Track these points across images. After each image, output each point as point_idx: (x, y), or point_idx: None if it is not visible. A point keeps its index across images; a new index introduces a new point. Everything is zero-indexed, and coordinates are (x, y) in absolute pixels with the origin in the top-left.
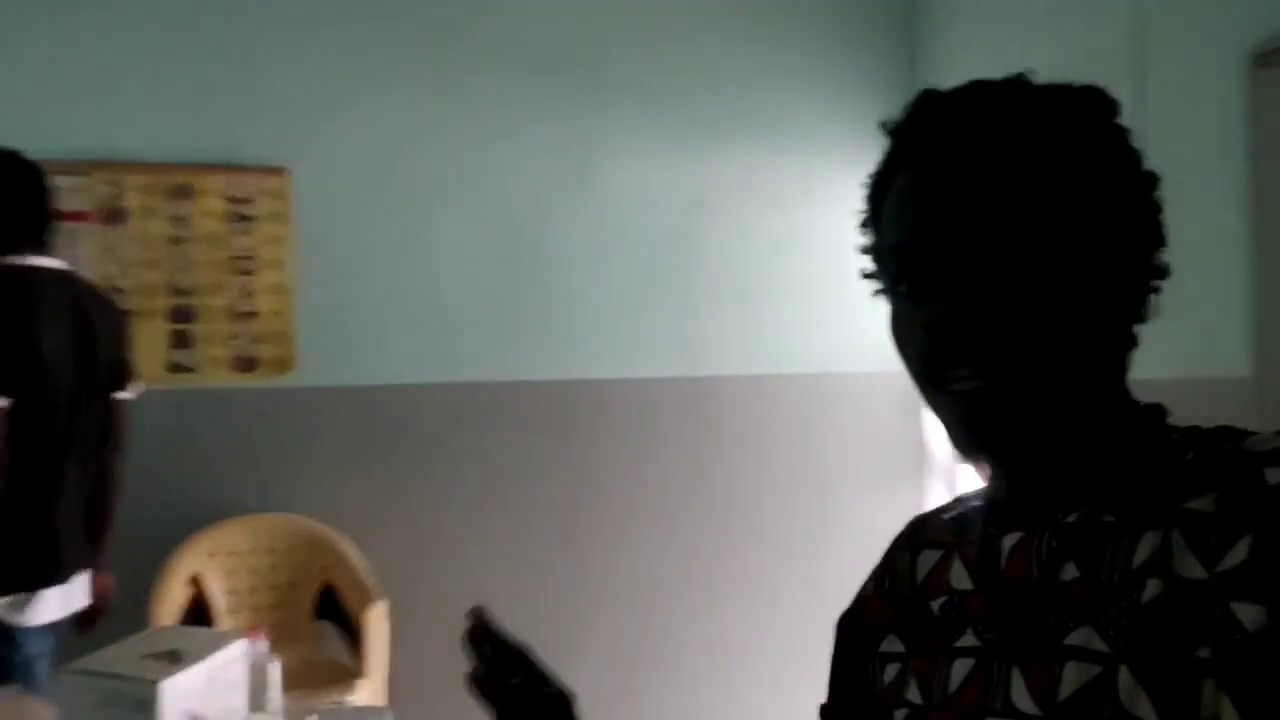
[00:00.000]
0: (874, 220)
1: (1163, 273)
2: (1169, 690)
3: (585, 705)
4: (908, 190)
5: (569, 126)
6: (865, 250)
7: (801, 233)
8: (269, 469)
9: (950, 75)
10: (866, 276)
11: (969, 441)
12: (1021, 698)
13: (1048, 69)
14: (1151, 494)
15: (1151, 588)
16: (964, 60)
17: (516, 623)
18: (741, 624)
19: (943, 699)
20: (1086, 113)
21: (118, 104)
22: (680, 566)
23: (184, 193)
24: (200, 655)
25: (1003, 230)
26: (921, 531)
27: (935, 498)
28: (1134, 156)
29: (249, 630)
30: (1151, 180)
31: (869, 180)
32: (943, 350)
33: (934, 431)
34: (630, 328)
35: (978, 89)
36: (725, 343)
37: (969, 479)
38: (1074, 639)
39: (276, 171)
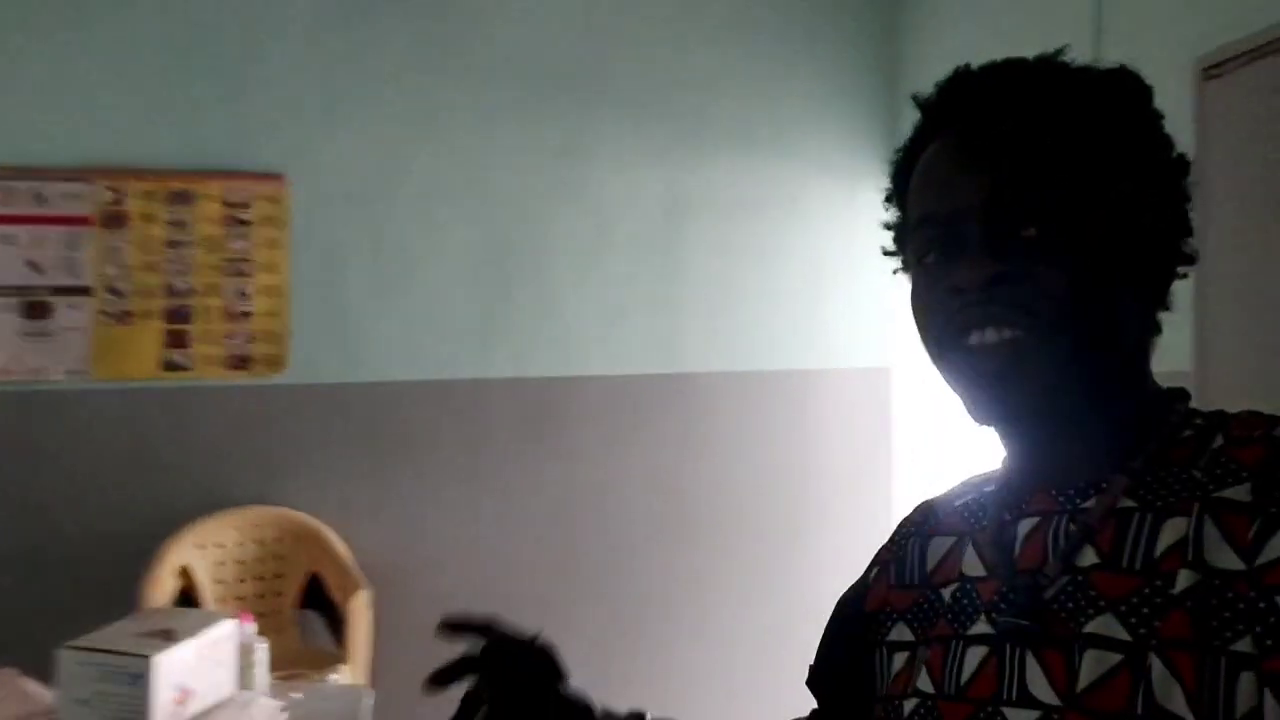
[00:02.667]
0: (899, 194)
1: (1190, 259)
2: (1203, 683)
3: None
4: (941, 157)
5: (556, 135)
6: (888, 226)
7: (780, 235)
8: (259, 464)
9: (928, 83)
10: (887, 254)
11: (992, 400)
12: (1039, 686)
13: None
14: (1174, 480)
15: (1184, 578)
16: (944, 68)
17: (499, 615)
18: (726, 613)
19: (954, 688)
20: (1121, 93)
21: (120, 113)
22: (664, 557)
23: (183, 198)
24: (191, 633)
25: (1039, 195)
26: (931, 518)
27: (901, 492)
28: (1167, 141)
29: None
30: (1183, 166)
31: (896, 155)
32: (971, 309)
33: (902, 427)
34: (614, 326)
35: (1015, 65)
36: (706, 340)
37: (937, 473)
38: (1093, 626)
39: (274, 177)
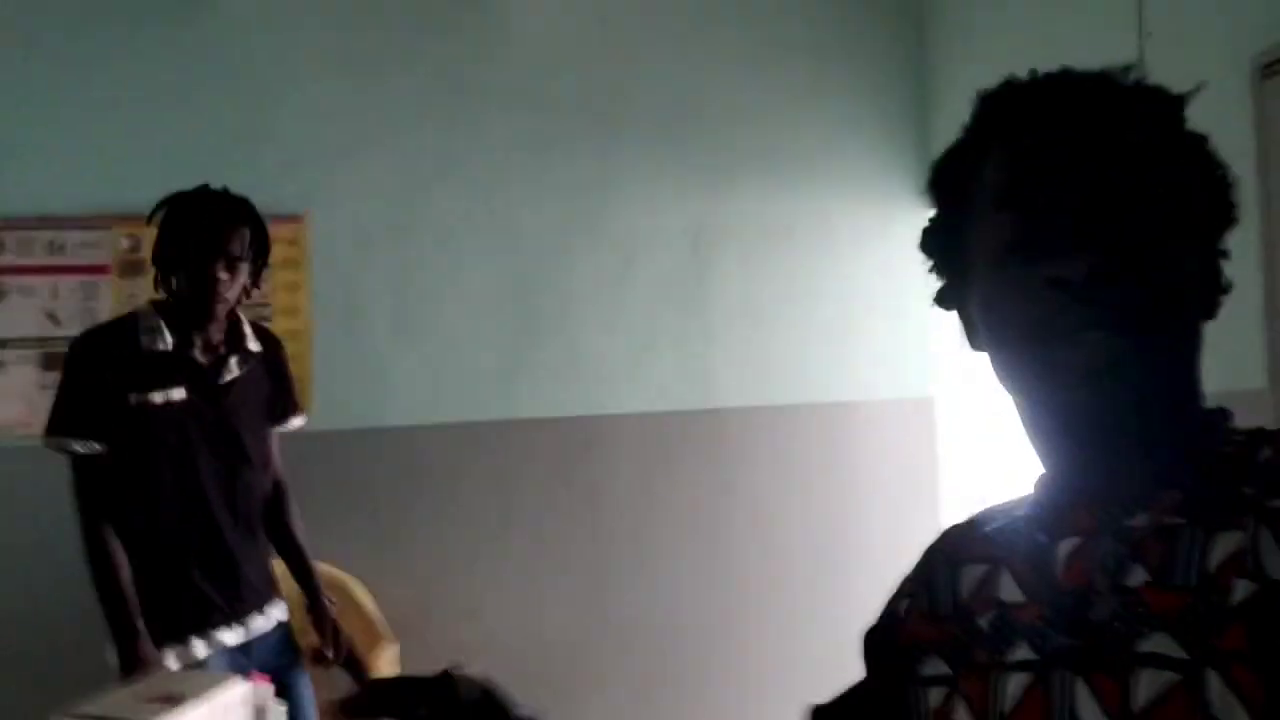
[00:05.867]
0: (957, 196)
1: (1228, 287)
2: (1267, 697)
3: None
4: (1029, 152)
5: (578, 169)
6: (936, 229)
7: (812, 264)
8: None
9: (960, 103)
10: (926, 251)
11: (1093, 402)
12: (1089, 710)
13: None
14: (1223, 495)
15: (1241, 589)
16: (978, 82)
17: (533, 665)
18: (765, 653)
19: (998, 717)
20: (1181, 115)
21: (135, 158)
22: (701, 598)
23: None
24: (199, 697)
25: (1141, 198)
26: (960, 546)
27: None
28: (1218, 162)
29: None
30: (1233, 187)
31: (949, 157)
32: (1073, 307)
33: (949, 458)
34: (643, 362)
35: (1071, 77)
36: (738, 374)
37: (985, 499)
38: (1147, 645)
39: (293, 219)
